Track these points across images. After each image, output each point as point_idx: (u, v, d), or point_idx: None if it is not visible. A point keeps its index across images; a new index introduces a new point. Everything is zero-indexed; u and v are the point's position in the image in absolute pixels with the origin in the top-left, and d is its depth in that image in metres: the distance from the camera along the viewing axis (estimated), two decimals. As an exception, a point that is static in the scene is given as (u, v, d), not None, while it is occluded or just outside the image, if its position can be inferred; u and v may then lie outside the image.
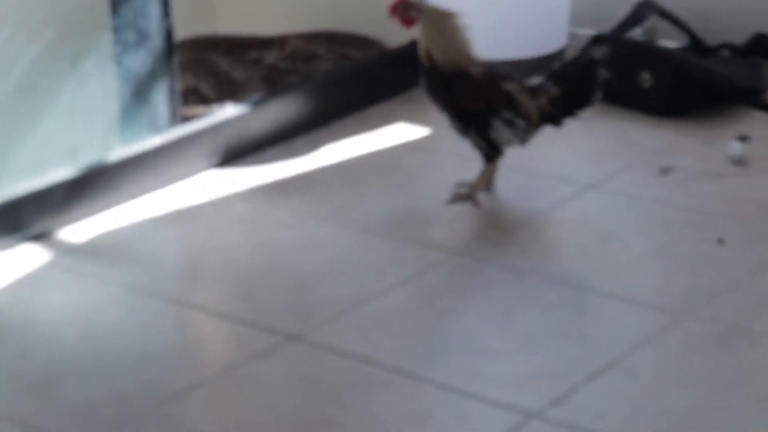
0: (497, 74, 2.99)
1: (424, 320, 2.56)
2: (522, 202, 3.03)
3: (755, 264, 2.72)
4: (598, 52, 2.96)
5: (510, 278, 2.70)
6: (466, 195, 3.02)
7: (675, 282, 2.67)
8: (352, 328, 2.52)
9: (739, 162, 3.18)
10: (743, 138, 3.29)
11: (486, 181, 3.05)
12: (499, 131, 2.95)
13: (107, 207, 2.95)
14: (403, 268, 2.74)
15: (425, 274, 2.72)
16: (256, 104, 3.29)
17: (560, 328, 2.53)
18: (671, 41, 3.72)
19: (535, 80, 2.99)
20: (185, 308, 2.60)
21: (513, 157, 3.18)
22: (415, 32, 2.96)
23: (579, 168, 3.18)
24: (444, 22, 2.94)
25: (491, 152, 3.00)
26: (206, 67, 3.47)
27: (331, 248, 2.83)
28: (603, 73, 2.95)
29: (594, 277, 2.69)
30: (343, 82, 3.54)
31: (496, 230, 2.91)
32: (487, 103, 2.94)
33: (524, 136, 2.98)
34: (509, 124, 2.95)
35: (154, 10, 3.05)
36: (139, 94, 3.08)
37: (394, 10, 2.93)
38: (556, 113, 2.98)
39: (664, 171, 3.15)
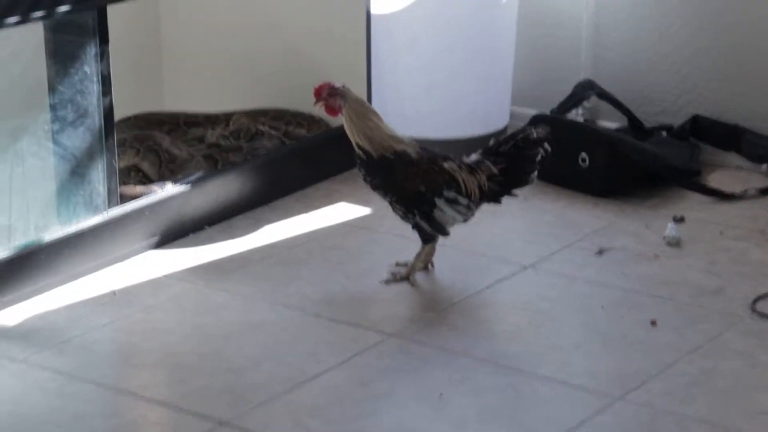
0: (435, 154, 3.01)
1: (357, 403, 2.55)
2: (459, 282, 3.04)
3: (687, 347, 2.73)
4: (538, 131, 2.98)
5: (444, 360, 2.70)
6: (403, 276, 3.02)
7: (608, 364, 2.68)
8: (284, 413, 2.51)
9: (675, 243, 3.21)
10: (679, 219, 3.32)
11: (424, 262, 3.06)
12: (443, 211, 2.97)
13: (41, 289, 2.93)
14: (338, 349, 2.74)
15: (360, 356, 2.71)
16: (197, 183, 3.29)
17: (493, 410, 2.53)
18: (611, 122, 3.77)
19: (472, 157, 3.01)
20: (117, 394, 2.57)
21: (451, 236, 3.20)
22: (341, 119, 2.98)
23: (516, 248, 3.20)
24: (367, 112, 2.96)
25: (435, 232, 3.00)
26: (148, 144, 3.48)
27: (267, 330, 2.82)
28: (541, 152, 2.98)
29: (528, 359, 2.70)
30: (285, 160, 3.55)
31: (432, 311, 2.91)
32: (430, 184, 2.95)
33: (467, 213, 3.00)
34: (452, 202, 2.96)
35: (93, 88, 3.05)
36: (76, 172, 3.07)
37: (319, 96, 2.95)
38: (496, 190, 3.00)
39: (601, 252, 3.17)
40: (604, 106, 3.79)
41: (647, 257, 3.14)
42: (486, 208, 3.38)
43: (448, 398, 2.56)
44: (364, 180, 2.99)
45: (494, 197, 3.01)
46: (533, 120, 3.63)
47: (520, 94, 3.90)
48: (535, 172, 3.00)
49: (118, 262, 3.09)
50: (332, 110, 2.97)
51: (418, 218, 2.98)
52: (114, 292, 2.95)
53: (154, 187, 3.27)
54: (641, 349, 2.73)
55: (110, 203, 3.10)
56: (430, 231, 3.00)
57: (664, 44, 3.75)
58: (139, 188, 3.25)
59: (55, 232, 2.99)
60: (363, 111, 2.97)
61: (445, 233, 3.01)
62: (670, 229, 3.24)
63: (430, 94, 3.72)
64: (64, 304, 2.91)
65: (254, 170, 3.44)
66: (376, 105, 3.73)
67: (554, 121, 3.62)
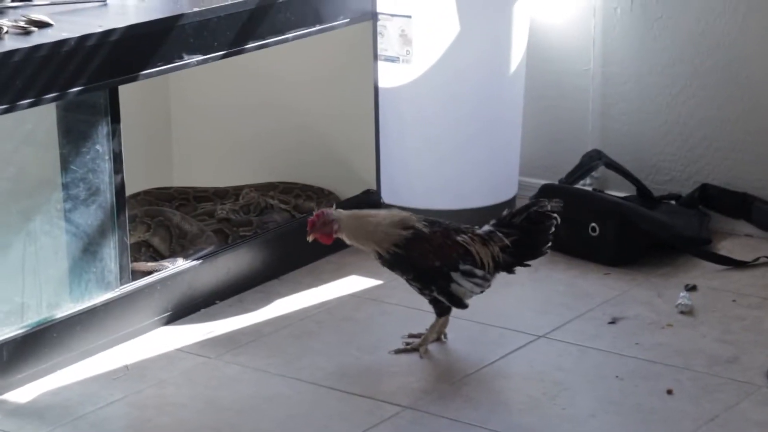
0: (447, 227, 3.01)
1: (373, 478, 2.54)
2: (473, 353, 3.02)
3: (704, 417, 2.71)
4: (552, 204, 2.99)
5: (460, 432, 2.68)
6: (414, 347, 3.01)
7: (625, 435, 2.67)
8: (300, 488, 2.49)
9: (688, 312, 3.20)
10: (691, 288, 3.32)
11: (438, 333, 3.05)
12: (460, 284, 2.96)
13: (54, 367, 2.92)
14: (352, 422, 2.72)
15: (375, 429, 2.70)
16: (208, 258, 3.30)
17: (511, 483, 2.51)
18: (619, 192, 3.78)
19: (485, 228, 3.02)
20: (130, 469, 2.56)
21: (463, 308, 3.20)
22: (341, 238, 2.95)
23: (529, 318, 3.19)
24: (361, 223, 2.93)
25: (454, 306, 2.99)
26: (159, 220, 3.49)
27: (280, 404, 2.81)
28: (555, 224, 2.98)
29: (544, 430, 2.68)
30: (295, 233, 3.55)
31: (446, 383, 2.90)
32: (445, 259, 2.95)
33: (483, 285, 2.99)
34: (468, 275, 2.96)
35: (105, 166, 3.07)
36: (88, 250, 3.08)
37: (313, 228, 2.93)
38: (510, 261, 2.99)
39: (614, 321, 3.16)
40: (613, 175, 3.80)
41: (660, 326, 3.13)
42: (497, 279, 3.38)
43: (465, 471, 2.54)
44: (381, 263, 2.99)
45: (507, 267, 3.01)
46: (542, 189, 3.64)
47: (528, 165, 3.92)
48: (549, 244, 3.00)
49: (130, 339, 3.08)
50: (329, 236, 2.94)
51: (436, 293, 2.97)
52: (127, 367, 2.95)
53: (165, 262, 3.27)
54: (658, 420, 2.71)
55: (122, 280, 3.10)
56: (449, 305, 2.99)
57: (671, 114, 3.77)
58: (150, 264, 3.26)
59: (67, 309, 2.99)
60: (357, 224, 2.94)
61: (464, 306, 3.00)
62: (683, 297, 3.23)
63: (438, 166, 3.73)
64: (76, 380, 2.90)
65: (264, 244, 3.45)
66: (384, 179, 3.75)
67: (563, 191, 3.63)
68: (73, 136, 3.05)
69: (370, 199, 3.69)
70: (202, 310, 3.25)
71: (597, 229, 3.49)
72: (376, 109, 3.64)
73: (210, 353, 3.04)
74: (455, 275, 2.94)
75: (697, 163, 3.75)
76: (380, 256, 2.96)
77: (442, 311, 3.01)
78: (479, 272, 2.96)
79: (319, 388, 2.87)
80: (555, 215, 2.98)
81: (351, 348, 3.05)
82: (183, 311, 3.22)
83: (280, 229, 3.54)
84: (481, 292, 3.00)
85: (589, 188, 3.80)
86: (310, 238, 2.97)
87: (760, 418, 2.71)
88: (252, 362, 2.99)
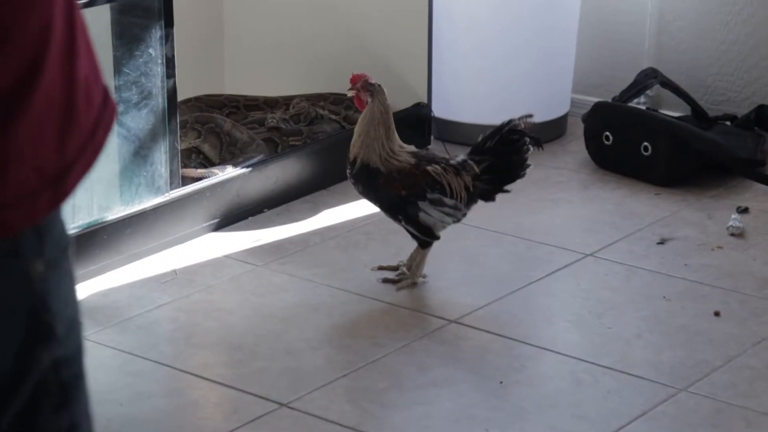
0: (423, 157, 2.91)
1: (417, 388, 2.55)
2: (518, 270, 3.02)
3: (751, 339, 2.70)
4: (524, 121, 2.88)
5: (504, 347, 2.69)
6: (400, 286, 2.93)
7: (670, 355, 2.65)
8: (343, 396, 2.51)
9: (739, 234, 3.17)
10: (743, 210, 3.28)
11: (417, 275, 2.95)
12: (428, 213, 2.90)
13: (104, 268, 2.95)
14: (397, 334, 2.73)
15: (419, 341, 2.71)
16: (257, 166, 3.30)
17: (553, 399, 2.51)
18: (673, 111, 3.73)
19: (459, 158, 2.90)
20: (177, 373, 2.59)
21: (511, 224, 3.18)
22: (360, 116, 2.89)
23: (577, 237, 3.17)
24: (387, 116, 2.86)
25: (424, 237, 2.91)
26: (210, 127, 3.48)
27: (326, 313, 2.82)
28: (527, 144, 2.87)
29: (589, 348, 2.68)
30: (344, 144, 3.53)
31: (491, 298, 2.90)
32: (411, 187, 2.86)
33: (456, 214, 2.90)
34: (437, 203, 2.89)
35: (158, 70, 3.06)
36: (139, 154, 3.09)
37: (356, 82, 2.88)
38: (487, 189, 2.90)
39: (663, 241, 3.14)
40: (667, 94, 3.75)
41: (710, 248, 3.11)
42: (546, 197, 3.36)
43: (508, 386, 2.55)
44: (354, 183, 2.93)
45: (485, 196, 2.91)
46: (595, 107, 3.60)
47: (581, 82, 3.87)
48: (527, 165, 2.87)
49: (179, 244, 3.10)
50: (360, 102, 2.90)
51: (403, 223, 2.91)
52: (175, 271, 2.97)
53: (215, 169, 3.28)
54: (704, 341, 2.70)
55: (172, 185, 3.11)
56: (419, 235, 2.92)
57: (729, 33, 3.70)
58: (200, 171, 3.26)
59: (117, 211, 3.01)
60: (384, 116, 2.86)
61: (435, 237, 2.92)
62: (734, 219, 3.20)
63: (490, 75, 3.68)
64: (125, 282, 2.93)
65: (314, 154, 3.44)
66: (435, 87, 3.71)
67: (617, 109, 3.60)
68: (127, 38, 3.04)
69: (421, 112, 3.67)
70: (250, 218, 3.27)
71: (649, 148, 3.45)
72: (430, 15, 3.58)
73: (257, 261, 3.05)
74: (423, 204, 2.87)
75: (755, 84, 3.69)
76: (353, 165, 2.89)
77: (422, 244, 2.94)
78: (449, 201, 2.87)
79: (365, 299, 2.88)
80: (525, 132, 2.86)
81: (397, 260, 3.05)
82: (231, 218, 3.23)
83: (330, 139, 3.53)
84: (456, 221, 2.91)
85: (643, 107, 3.75)
86: (349, 93, 2.91)
87: (807, 343, 2.69)
88: (298, 271, 3.00)
